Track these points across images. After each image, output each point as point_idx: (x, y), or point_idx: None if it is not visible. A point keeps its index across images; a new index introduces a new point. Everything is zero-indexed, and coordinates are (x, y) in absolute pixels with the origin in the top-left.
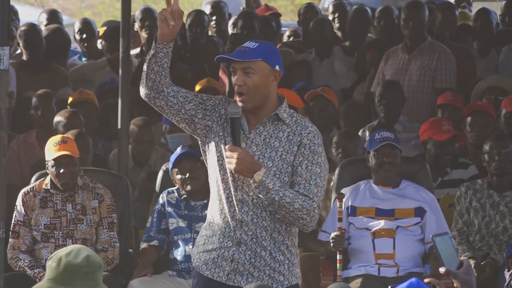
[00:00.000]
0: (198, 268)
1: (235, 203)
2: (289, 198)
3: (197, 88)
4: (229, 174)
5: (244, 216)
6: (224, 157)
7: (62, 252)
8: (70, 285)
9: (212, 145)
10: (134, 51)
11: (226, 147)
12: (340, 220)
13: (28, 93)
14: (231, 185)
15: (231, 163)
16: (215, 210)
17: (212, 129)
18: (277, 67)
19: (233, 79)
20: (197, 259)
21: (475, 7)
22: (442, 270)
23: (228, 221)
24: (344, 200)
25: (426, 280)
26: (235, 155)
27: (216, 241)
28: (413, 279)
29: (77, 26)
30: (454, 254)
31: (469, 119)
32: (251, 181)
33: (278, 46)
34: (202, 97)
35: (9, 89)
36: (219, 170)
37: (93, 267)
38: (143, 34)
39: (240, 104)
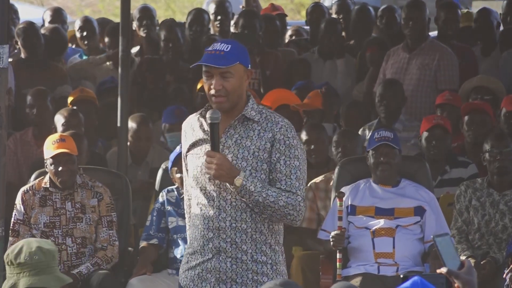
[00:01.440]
0: (186, 287)
1: (212, 212)
2: (273, 197)
3: (199, 86)
4: (207, 184)
5: (221, 223)
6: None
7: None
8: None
9: (190, 164)
10: (133, 50)
11: (205, 152)
12: (340, 219)
13: (26, 91)
14: (209, 194)
15: (210, 168)
16: (194, 229)
17: (188, 152)
18: (249, 67)
19: (208, 82)
20: (183, 278)
21: (476, 6)
22: (443, 270)
23: (205, 234)
24: (344, 199)
25: (438, 271)
26: (214, 160)
27: (199, 257)
28: (416, 278)
29: (77, 24)
30: (455, 254)
31: (466, 118)
32: (230, 186)
33: (284, 46)
34: None
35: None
36: (196, 184)
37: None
38: (141, 33)
39: (216, 106)
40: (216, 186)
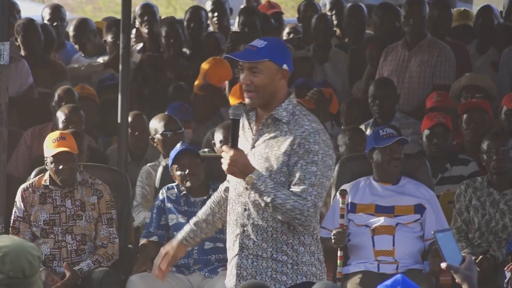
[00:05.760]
0: (226, 282)
1: (240, 209)
2: (281, 200)
3: (196, 83)
4: (237, 180)
5: (245, 220)
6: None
7: None
8: None
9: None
10: (137, 46)
11: (223, 147)
12: (342, 216)
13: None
14: (238, 190)
15: (223, 163)
16: (227, 224)
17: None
18: (284, 66)
19: (241, 77)
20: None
21: (476, 3)
22: (443, 265)
23: (234, 230)
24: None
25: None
26: (228, 156)
27: (231, 254)
28: (398, 275)
29: (71, 25)
30: (456, 249)
31: (464, 116)
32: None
33: None
34: None
35: (29, 81)
36: (230, 179)
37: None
38: (144, 29)
39: (247, 101)
40: (242, 183)
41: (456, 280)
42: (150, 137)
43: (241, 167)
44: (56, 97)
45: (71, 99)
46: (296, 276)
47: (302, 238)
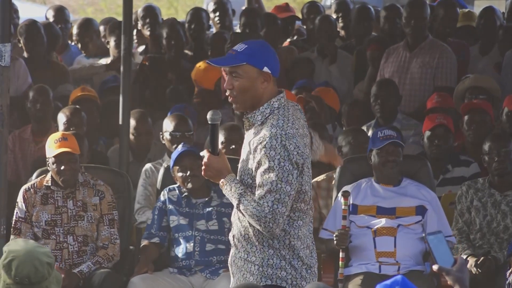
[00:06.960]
0: None
1: (235, 209)
2: (243, 205)
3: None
4: None
5: (233, 218)
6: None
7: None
8: None
9: None
10: (140, 49)
11: (204, 152)
12: (344, 218)
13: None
14: None
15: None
16: None
17: None
18: (265, 69)
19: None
20: None
21: (477, 5)
22: (435, 267)
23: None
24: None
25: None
26: (204, 160)
27: None
28: (398, 276)
29: (75, 28)
30: (448, 252)
31: (466, 117)
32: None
33: (283, 44)
34: None
35: (28, 81)
36: None
37: None
38: (146, 32)
39: (233, 105)
40: None
41: (448, 282)
42: (160, 133)
43: (215, 172)
44: (30, 97)
45: (46, 100)
46: (261, 278)
47: (271, 242)
